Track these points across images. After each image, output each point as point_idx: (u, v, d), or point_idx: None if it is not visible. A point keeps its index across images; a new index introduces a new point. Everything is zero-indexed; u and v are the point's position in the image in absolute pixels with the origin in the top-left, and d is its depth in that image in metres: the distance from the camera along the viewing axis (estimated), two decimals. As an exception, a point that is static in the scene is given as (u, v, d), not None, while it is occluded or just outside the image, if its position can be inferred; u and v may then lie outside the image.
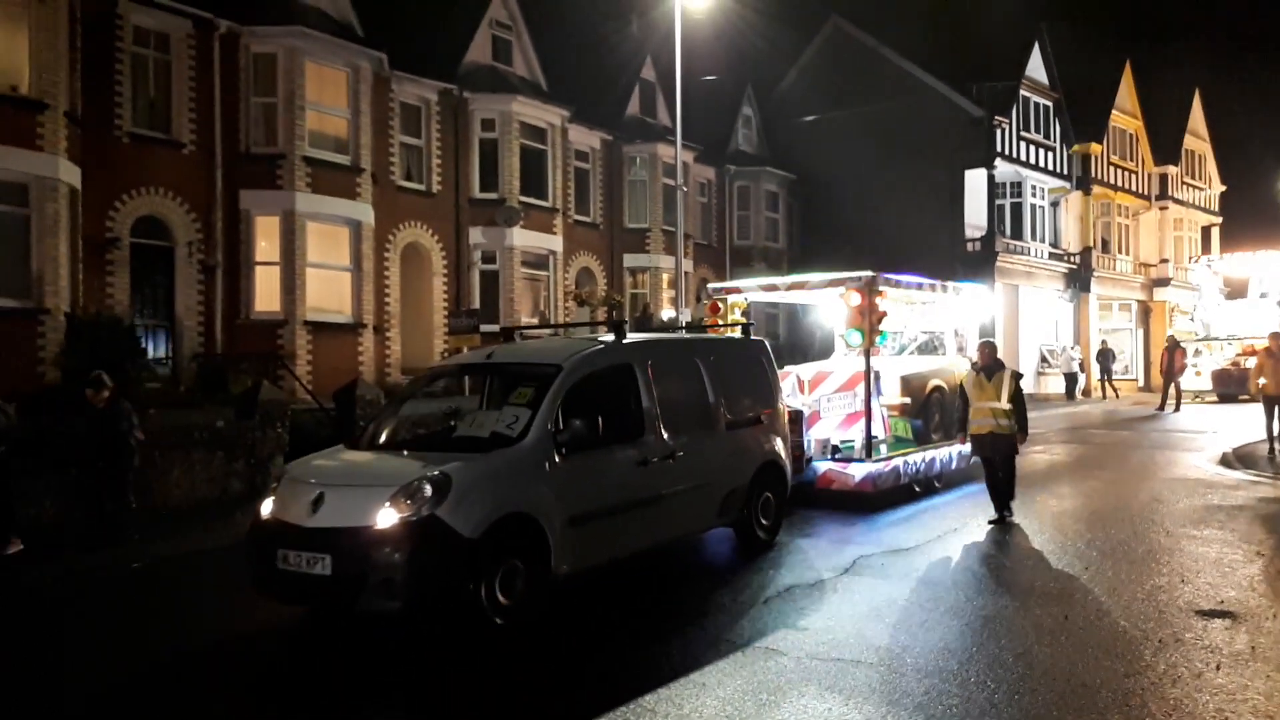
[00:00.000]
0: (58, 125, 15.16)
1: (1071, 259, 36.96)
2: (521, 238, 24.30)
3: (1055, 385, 34.16)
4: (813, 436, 11.86)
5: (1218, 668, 5.93)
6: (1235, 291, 33.90)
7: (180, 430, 12.59)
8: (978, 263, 32.80)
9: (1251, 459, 15.65)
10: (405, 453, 7.69)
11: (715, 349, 9.72)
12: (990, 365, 10.61)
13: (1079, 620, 6.97)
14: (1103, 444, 19.22)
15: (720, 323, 12.71)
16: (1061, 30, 36.69)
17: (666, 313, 26.04)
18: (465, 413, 8.98)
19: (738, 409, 9.33)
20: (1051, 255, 36.13)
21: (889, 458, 11.85)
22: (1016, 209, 34.78)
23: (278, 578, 6.73)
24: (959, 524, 10.72)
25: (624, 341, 8.43)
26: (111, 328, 15.15)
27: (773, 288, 13.01)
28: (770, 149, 34.32)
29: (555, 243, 25.47)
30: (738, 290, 13.16)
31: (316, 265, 19.58)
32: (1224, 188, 46.17)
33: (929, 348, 15.32)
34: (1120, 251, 39.52)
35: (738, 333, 11.47)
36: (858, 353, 13.79)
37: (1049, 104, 35.74)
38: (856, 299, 11.39)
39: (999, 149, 33.10)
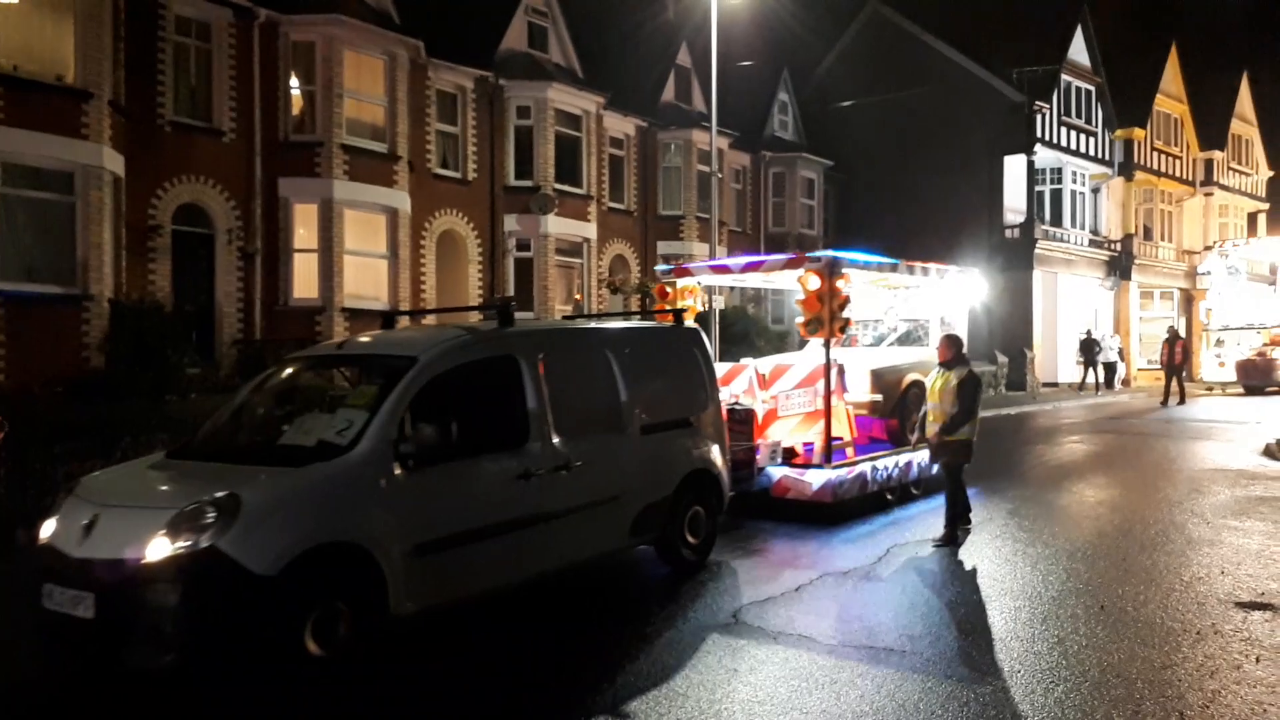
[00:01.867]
0: (102, 114, 15.42)
1: (1112, 246, 36.39)
2: (556, 225, 24.36)
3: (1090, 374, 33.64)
4: (769, 438, 10.54)
5: (1257, 660, 5.86)
6: (1264, 279, 33.11)
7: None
8: (1016, 250, 32.44)
9: (1296, 450, 15.36)
10: (217, 464, 6.17)
11: (632, 339, 8.27)
12: (950, 361, 9.32)
13: (1115, 611, 6.92)
14: (1140, 434, 18.97)
15: (668, 308, 11.27)
16: (1105, 13, 36.06)
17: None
18: (302, 415, 6.98)
19: (660, 409, 8.00)
20: (1092, 243, 35.61)
21: (854, 462, 10.49)
22: (1056, 195, 34.31)
23: (43, 619, 5.47)
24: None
25: (508, 329, 7.09)
26: (154, 314, 15.43)
27: (725, 269, 11.60)
28: (807, 135, 34.09)
29: (589, 230, 25.51)
30: (688, 272, 11.74)
31: (354, 252, 19.77)
32: (1271, 173, 45.21)
33: (912, 338, 13.72)
34: (1163, 239, 38.86)
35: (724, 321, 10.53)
36: (834, 342, 13.43)
37: (1091, 88, 35.16)
38: (815, 282, 9.94)
39: (1039, 134, 32.61)
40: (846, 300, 10.03)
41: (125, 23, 16.43)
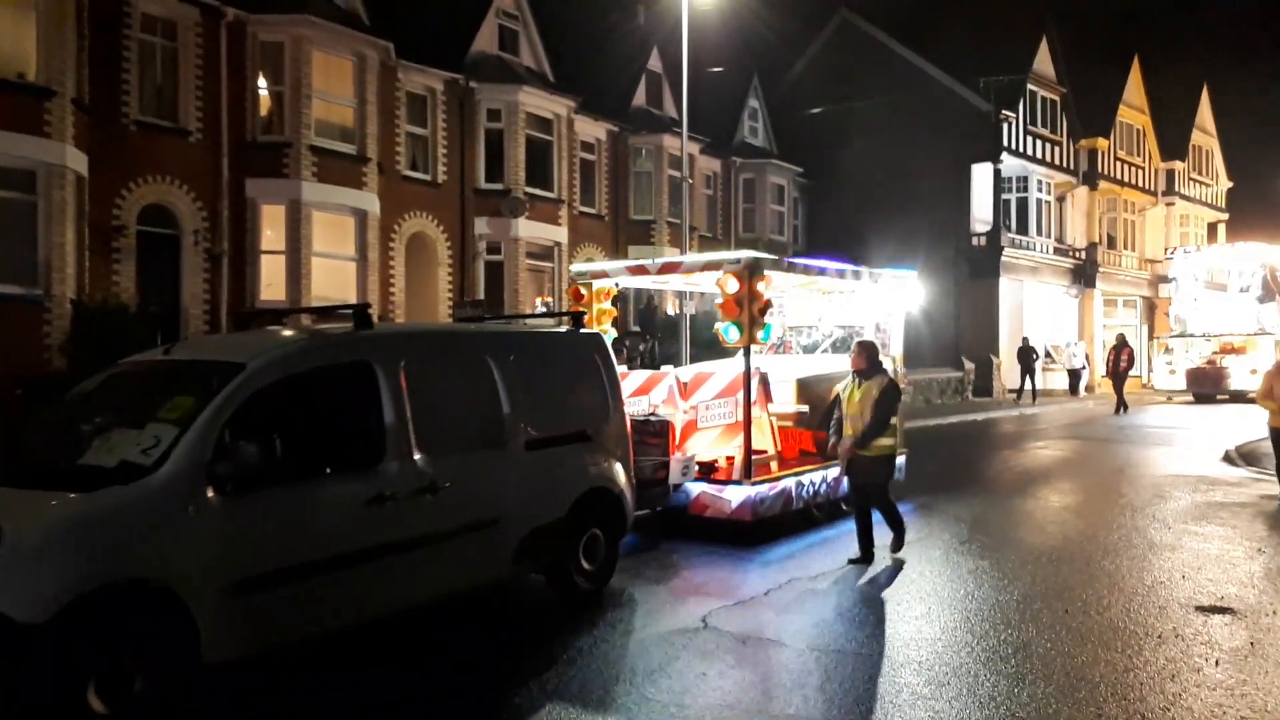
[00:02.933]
0: (65, 112, 15.19)
1: (1077, 255, 36.91)
2: (527, 229, 24.31)
3: (1059, 381, 34.13)
4: (687, 451, 9.84)
5: (1216, 663, 5.96)
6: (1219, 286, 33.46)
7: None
8: (983, 257, 32.81)
9: (1254, 456, 15.65)
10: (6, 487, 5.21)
11: (518, 344, 7.44)
12: (866, 370, 8.60)
13: (1078, 615, 7.00)
14: (1104, 440, 19.23)
15: (583, 310, 10.55)
16: (1070, 25, 36.65)
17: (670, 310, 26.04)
18: (110, 430, 5.73)
19: (550, 422, 7.22)
20: (1057, 250, 36.08)
21: (777, 478, 9.78)
22: (1022, 204, 34.74)
23: None
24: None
25: (362, 333, 6.24)
26: (117, 315, 15.22)
27: (642, 270, 10.75)
28: (777, 142, 34.28)
29: (560, 234, 25.48)
30: (604, 274, 10.97)
31: (322, 254, 19.62)
32: (1231, 184, 46.07)
33: (846, 345, 12.70)
34: (1126, 248, 39.46)
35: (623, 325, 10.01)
36: (768, 350, 12.88)
37: (1056, 99, 35.64)
38: (733, 285, 9.27)
39: (1005, 143, 33.02)
40: (767, 304, 9.52)
41: (89, 20, 16.20)
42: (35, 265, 14.98)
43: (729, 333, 9.32)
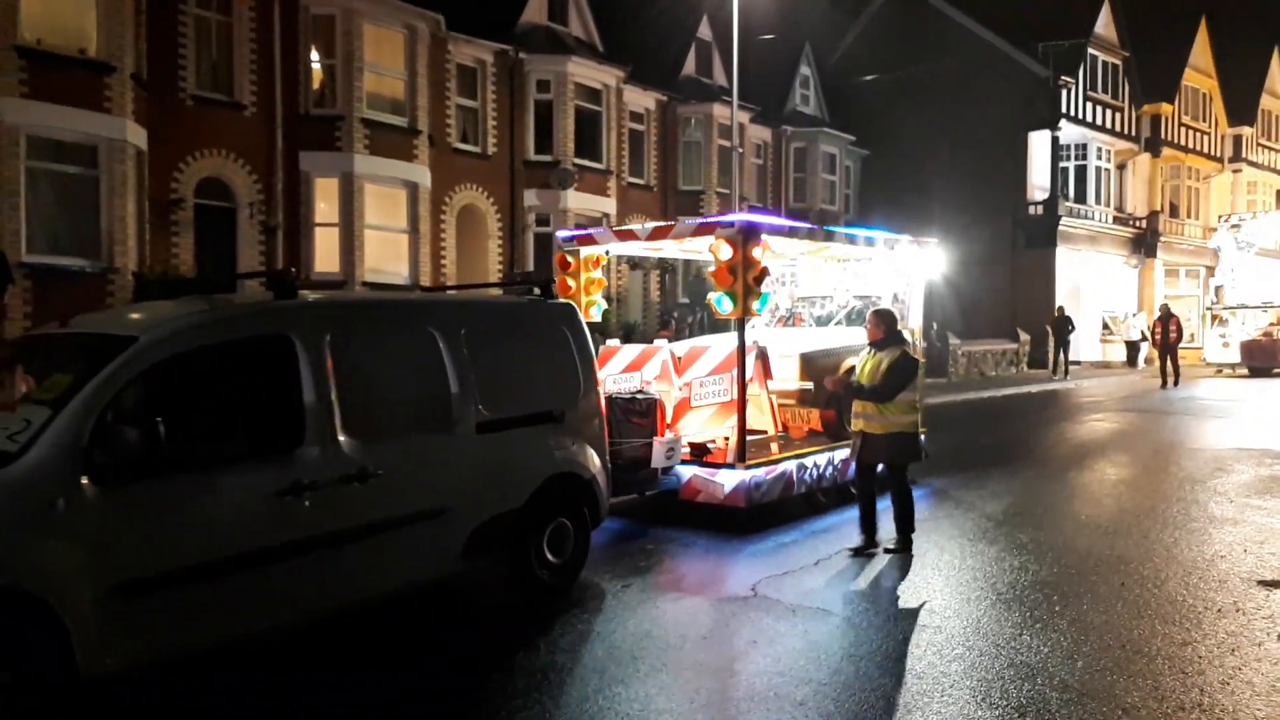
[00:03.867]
0: (125, 87, 15.48)
1: (1137, 224, 36.01)
2: (575, 200, 24.32)
3: (1117, 353, 33.45)
4: (680, 431, 9.23)
5: (1279, 637, 5.84)
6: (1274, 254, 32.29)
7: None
8: (1040, 227, 32.18)
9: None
10: None
11: (471, 315, 6.62)
12: (882, 340, 7.89)
13: (1135, 587, 6.89)
14: (1161, 413, 18.83)
15: (570, 283, 10.04)
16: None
17: None
18: None
19: (509, 401, 6.51)
20: (1116, 220, 35.24)
21: (774, 460, 8.99)
22: (1081, 172, 33.95)
23: None
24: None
25: (282, 302, 5.56)
26: (177, 286, 15.52)
27: (630, 235, 9.90)
28: (829, 110, 33.83)
29: (609, 205, 25.45)
30: (591, 240, 10.15)
31: (374, 227, 19.83)
32: (1302, 149, 44.53)
33: (861, 317, 11.66)
34: (1189, 216, 38.39)
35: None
36: (777, 323, 12.31)
37: (1118, 63, 34.67)
38: (727, 251, 8.45)
39: (1064, 110, 32.23)
40: (764, 272, 8.62)
41: (147, -4, 16.46)
42: (98, 238, 15.36)
43: (721, 303, 8.49)
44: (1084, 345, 33.79)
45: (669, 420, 9.23)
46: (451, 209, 22.55)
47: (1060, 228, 32.03)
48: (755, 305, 8.58)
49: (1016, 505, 9.91)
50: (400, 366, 6.06)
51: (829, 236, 10.07)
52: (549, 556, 6.72)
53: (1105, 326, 34.49)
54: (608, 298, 25.84)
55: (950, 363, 26.69)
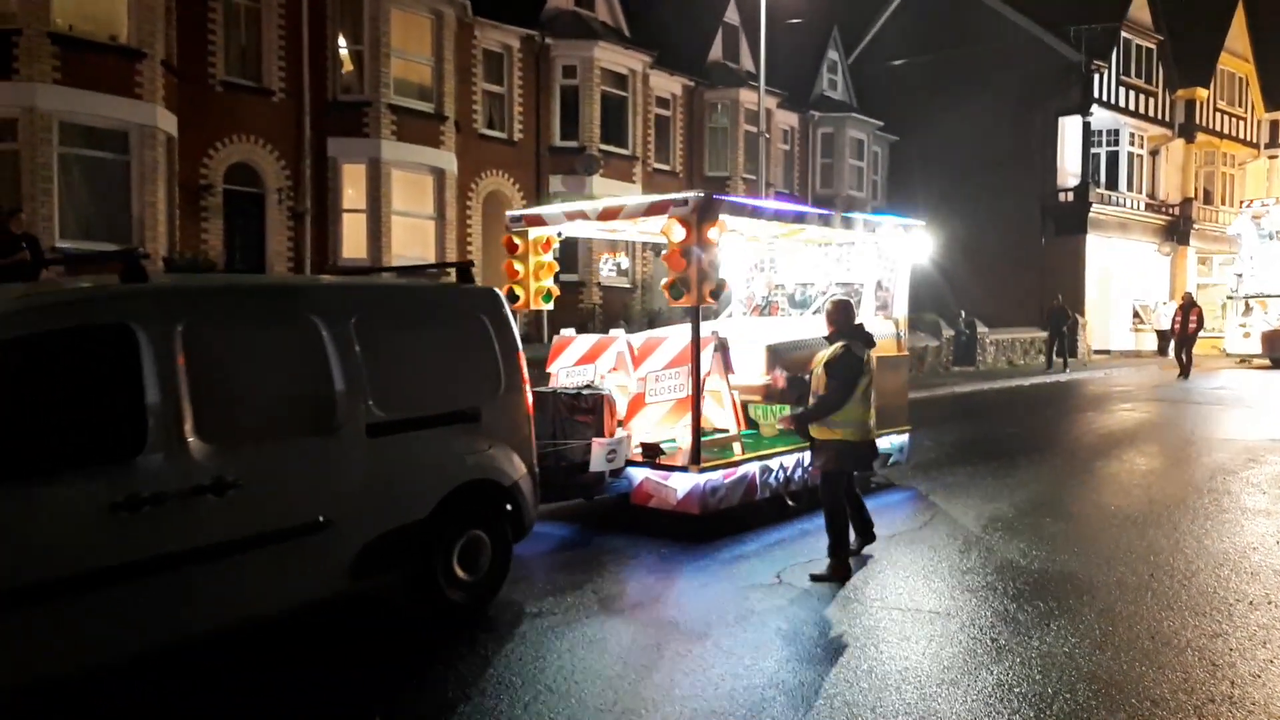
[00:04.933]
0: (155, 73, 15.61)
1: (1170, 211, 35.53)
2: (601, 186, 24.28)
3: (1149, 342, 33.09)
4: (632, 430, 8.37)
5: (1312, 631, 5.77)
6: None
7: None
8: (1070, 213, 31.83)
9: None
10: None
11: (364, 302, 5.87)
12: (832, 335, 7.03)
13: (1164, 579, 6.83)
14: (1189, 403, 18.61)
15: (518, 268, 9.39)
16: (1169, -32, 34.93)
17: None
18: None
19: (408, 400, 5.80)
20: (1148, 207, 34.79)
21: (733, 463, 8.18)
22: (1113, 158, 33.51)
23: None
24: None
25: (124, 288, 4.83)
26: (206, 272, 15.68)
27: (580, 215, 8.99)
28: (857, 95, 33.56)
29: (634, 191, 25.40)
30: (540, 221, 9.31)
31: (401, 213, 19.92)
32: (1340, 135, 43.70)
33: None
34: (1223, 203, 37.82)
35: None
36: (750, 311, 11.45)
37: (1152, 47, 34.15)
38: (680, 232, 7.63)
39: (1096, 95, 31.81)
40: (718, 256, 7.93)
41: (177, -18, 16.57)
42: (129, 224, 15.53)
43: (675, 290, 7.71)
44: (1114, 334, 33.47)
45: (623, 417, 8.46)
46: (478, 195, 22.59)
47: (1091, 215, 31.67)
48: (712, 293, 7.80)
49: (1043, 495, 9.84)
50: (272, 361, 5.30)
51: (800, 218, 9.28)
52: (460, 573, 5.98)
53: (1136, 315, 34.09)
54: (632, 285, 25.88)
55: (978, 351, 26.49)
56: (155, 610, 4.62)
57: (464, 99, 21.73)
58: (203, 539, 4.74)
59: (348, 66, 19.66)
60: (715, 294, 7.78)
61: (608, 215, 8.76)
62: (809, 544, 7.66)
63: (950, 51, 32.50)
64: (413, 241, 20.21)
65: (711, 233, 7.67)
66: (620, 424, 8.39)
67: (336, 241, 19.43)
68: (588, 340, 9.42)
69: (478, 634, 5.72)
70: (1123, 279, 33.85)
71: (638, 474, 8.10)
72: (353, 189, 19.60)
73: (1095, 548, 7.74)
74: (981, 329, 26.56)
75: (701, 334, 8.12)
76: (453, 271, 6.85)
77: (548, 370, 9.29)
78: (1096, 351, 31.88)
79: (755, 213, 8.75)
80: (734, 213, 8.31)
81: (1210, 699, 4.80)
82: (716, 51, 28.95)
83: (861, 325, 7.11)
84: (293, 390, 5.37)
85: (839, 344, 6.86)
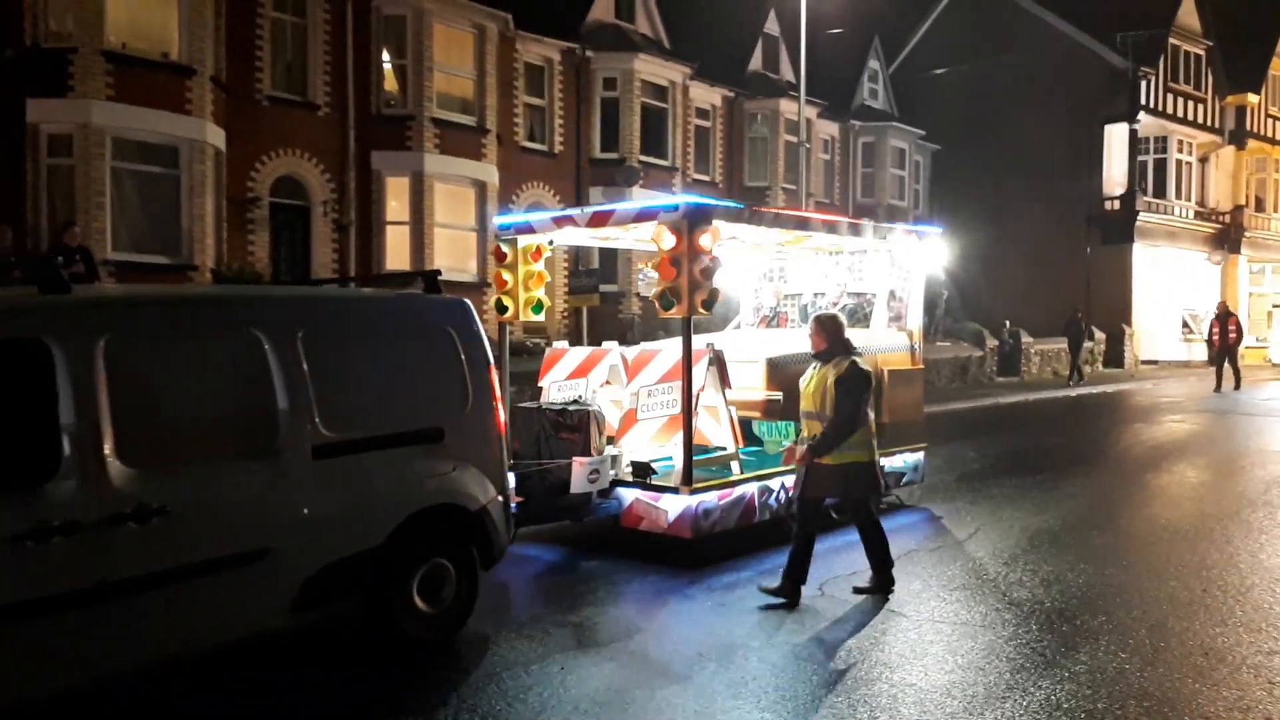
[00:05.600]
0: (204, 90, 15.93)
1: (1220, 218, 34.85)
2: (640, 198, 24.33)
3: (1200, 352, 32.43)
4: (618, 451, 7.97)
5: (1372, 649, 5.61)
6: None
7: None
8: (1116, 222, 31.39)
9: None
10: None
11: (314, 314, 5.51)
12: (826, 351, 6.59)
13: (1217, 594, 6.68)
14: (1241, 414, 18.21)
15: (506, 277, 9.01)
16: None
17: None
18: None
19: (361, 418, 5.40)
20: (1198, 215, 34.17)
21: (730, 483, 7.79)
22: (1161, 165, 32.96)
23: None
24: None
25: (38, 299, 4.49)
26: (253, 283, 15.94)
27: (569, 222, 8.59)
28: (898, 104, 33.36)
29: (675, 202, 25.40)
30: (529, 229, 8.87)
31: (444, 225, 20.11)
32: (1397, 141, 42.62)
33: (856, 317, 10.25)
34: (1276, 210, 37.03)
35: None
36: (760, 323, 11.06)
37: (1201, 53, 33.58)
38: (669, 240, 7.29)
39: (1144, 102, 31.34)
40: (712, 264, 7.37)
41: (226, 1, 16.89)
42: (179, 236, 15.84)
43: (665, 300, 7.34)
44: (1163, 344, 32.90)
45: (615, 433, 8.05)
46: (519, 207, 22.73)
47: (1138, 223, 31.19)
48: (703, 303, 7.30)
49: (1090, 508, 9.68)
50: (207, 378, 4.95)
51: (803, 224, 8.82)
52: (420, 605, 5.58)
53: (1185, 325, 33.46)
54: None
55: (1022, 361, 26.16)
56: (66, 649, 4.27)
57: (505, 112, 21.91)
58: (123, 571, 4.39)
59: (390, 84, 19.90)
60: (708, 304, 7.32)
61: (597, 222, 8.32)
62: (811, 569, 7.05)
63: (993, 59, 32.19)
64: (455, 253, 20.39)
65: (703, 240, 7.28)
66: (611, 441, 8.01)
67: (380, 253, 19.65)
68: (580, 353, 9.11)
69: (437, 670, 5.30)
70: (1171, 288, 33.26)
71: (628, 495, 7.71)
72: (396, 201, 19.83)
73: (1145, 562, 7.61)
74: (1025, 339, 26.22)
75: (696, 347, 7.69)
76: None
77: (539, 384, 9.00)
78: (1144, 362, 31.34)
79: (752, 218, 8.30)
80: (729, 218, 7.92)
81: (1267, 717, 4.69)
82: (756, 62, 28.93)
83: (850, 340, 6.66)
84: (230, 409, 5.03)
85: (846, 359, 6.46)
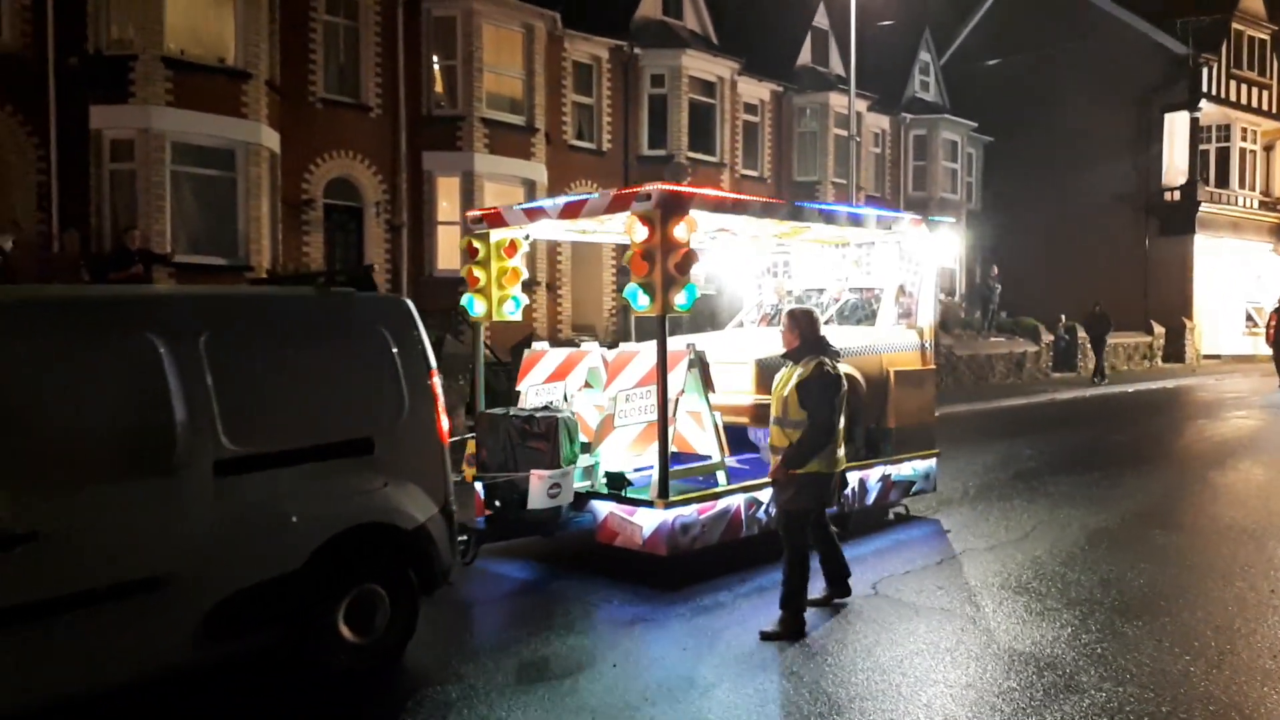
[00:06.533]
0: (259, 93, 16.21)
1: (1286, 208, 33.93)
2: (690, 194, 24.28)
3: (1265, 346, 31.58)
4: (595, 460, 7.37)
5: None
6: None
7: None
8: (1176, 213, 30.67)
9: None
10: None
11: (221, 316, 4.99)
12: (798, 350, 6.03)
13: (1287, 595, 6.51)
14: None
15: (478, 274, 8.34)
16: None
17: None
18: None
19: (275, 430, 4.94)
20: (1262, 204, 33.25)
21: (712, 496, 7.13)
22: (1223, 154, 32.14)
23: None
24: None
25: None
26: (307, 284, 16.21)
27: (541, 214, 7.93)
28: (949, 96, 32.88)
29: (724, 198, 25.32)
30: (501, 221, 8.18)
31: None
32: None
33: (862, 314, 9.72)
34: (1344, 199, 35.93)
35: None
36: (761, 322, 10.30)
37: (1265, 38, 32.67)
38: (642, 232, 6.63)
39: (1205, 89, 30.55)
40: (688, 256, 6.65)
41: (280, 5, 17.18)
42: (235, 237, 16.14)
43: (636, 298, 6.72)
44: (1225, 338, 32.12)
45: (592, 441, 7.57)
46: (567, 204, 22.82)
47: (1199, 214, 30.44)
48: (679, 300, 6.66)
49: (1152, 506, 9.47)
50: (90, 388, 4.44)
51: (797, 214, 8.16)
52: (347, 635, 5.08)
53: (1249, 319, 32.60)
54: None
55: (1079, 357, 25.69)
56: None
57: (554, 111, 21.99)
58: None
59: (441, 85, 20.07)
60: (685, 301, 6.69)
61: (569, 213, 7.67)
62: (865, 569, 7.00)
63: (1048, 49, 31.60)
64: (504, 251, 20.52)
65: (678, 231, 6.59)
66: (588, 448, 7.46)
67: (432, 254, 19.86)
68: (559, 354, 8.46)
69: (364, 708, 4.86)
70: (1234, 281, 32.43)
71: (602, 508, 7.11)
72: (447, 201, 20.02)
73: (1210, 561, 7.43)
74: (1082, 334, 25.74)
75: (676, 348, 7.20)
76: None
77: (517, 389, 8.45)
78: (1206, 356, 30.61)
79: (738, 208, 7.54)
80: (710, 208, 7.18)
81: (1339, 723, 4.55)
82: (805, 56, 28.71)
83: (825, 337, 6.10)
84: (118, 423, 4.49)
85: (813, 360, 5.87)
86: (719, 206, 7.28)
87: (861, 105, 27.38)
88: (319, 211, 18.35)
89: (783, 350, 6.15)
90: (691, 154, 24.28)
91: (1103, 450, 13.17)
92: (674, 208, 6.64)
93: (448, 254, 19.87)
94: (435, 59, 19.93)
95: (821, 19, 28.80)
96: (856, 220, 8.50)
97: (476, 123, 19.72)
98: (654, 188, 6.75)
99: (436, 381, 5.62)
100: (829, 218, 8.23)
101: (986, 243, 31.40)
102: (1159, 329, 29.13)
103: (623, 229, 7.39)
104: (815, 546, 6.21)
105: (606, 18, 23.12)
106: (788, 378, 5.96)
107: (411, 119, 19.52)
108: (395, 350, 5.43)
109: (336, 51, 18.76)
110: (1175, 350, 29.45)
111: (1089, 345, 25.49)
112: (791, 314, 6.15)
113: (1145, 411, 18.30)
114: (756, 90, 26.99)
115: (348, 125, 18.69)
